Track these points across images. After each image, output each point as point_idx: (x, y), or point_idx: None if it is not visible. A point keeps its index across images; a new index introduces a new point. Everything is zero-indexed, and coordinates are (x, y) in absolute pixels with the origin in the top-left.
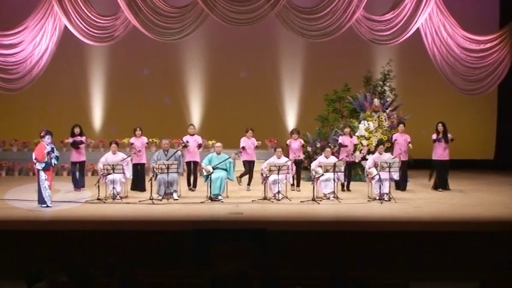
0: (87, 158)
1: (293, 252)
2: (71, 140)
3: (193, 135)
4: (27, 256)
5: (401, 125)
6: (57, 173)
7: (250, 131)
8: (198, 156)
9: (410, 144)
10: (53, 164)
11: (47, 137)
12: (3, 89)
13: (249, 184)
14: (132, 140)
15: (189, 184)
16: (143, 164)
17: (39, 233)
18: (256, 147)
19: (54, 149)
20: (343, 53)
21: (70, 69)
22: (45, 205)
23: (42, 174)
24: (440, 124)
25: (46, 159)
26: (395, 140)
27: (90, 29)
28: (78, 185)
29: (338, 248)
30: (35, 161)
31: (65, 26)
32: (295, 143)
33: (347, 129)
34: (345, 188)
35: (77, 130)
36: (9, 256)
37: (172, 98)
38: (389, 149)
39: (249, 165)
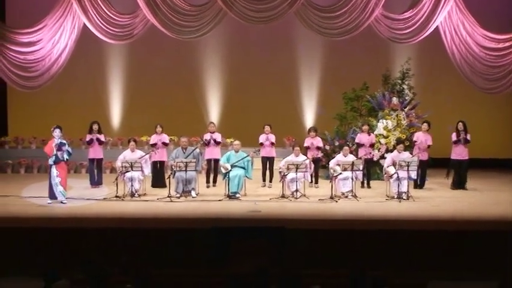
0: (105, 156)
1: (311, 250)
2: (89, 137)
3: (213, 132)
4: (43, 254)
5: (425, 124)
6: (76, 170)
7: (267, 127)
8: (218, 153)
9: (427, 147)
10: (65, 160)
11: (56, 130)
12: (22, 87)
13: (270, 181)
14: (153, 137)
15: (207, 181)
16: (163, 161)
17: (56, 230)
18: (273, 144)
19: (67, 144)
20: (361, 51)
21: (88, 66)
22: (52, 201)
23: (54, 170)
24: (460, 123)
25: (55, 152)
26: (416, 140)
27: (109, 27)
28: (96, 182)
29: (356, 246)
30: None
31: (84, 24)
32: (313, 141)
33: (365, 127)
34: (365, 184)
35: (95, 127)
36: (25, 253)
37: (192, 95)
38: (409, 148)
39: (266, 162)
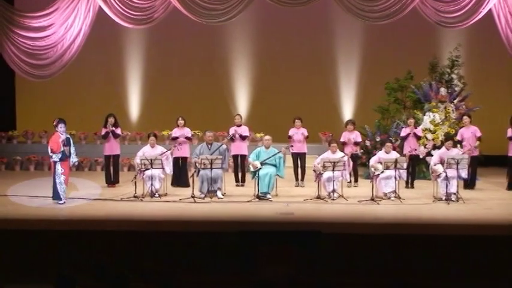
0: (122, 152)
1: (349, 257)
2: (104, 131)
3: (240, 126)
4: (54, 259)
5: (465, 118)
6: (90, 168)
7: (297, 121)
8: (245, 149)
9: (477, 142)
10: (73, 163)
11: (60, 125)
12: (32, 76)
13: (302, 179)
14: (174, 131)
15: (237, 180)
16: (185, 158)
17: (68, 233)
18: (307, 138)
19: (71, 141)
20: (405, 37)
21: (104, 54)
22: (61, 201)
23: (59, 168)
24: None
25: (62, 149)
26: (461, 136)
27: (127, 11)
28: (112, 180)
29: (398, 253)
30: (51, 153)
31: (100, 7)
32: (351, 136)
33: (411, 120)
34: (410, 184)
35: (111, 120)
36: (35, 257)
37: (217, 86)
38: (458, 144)
39: (297, 159)
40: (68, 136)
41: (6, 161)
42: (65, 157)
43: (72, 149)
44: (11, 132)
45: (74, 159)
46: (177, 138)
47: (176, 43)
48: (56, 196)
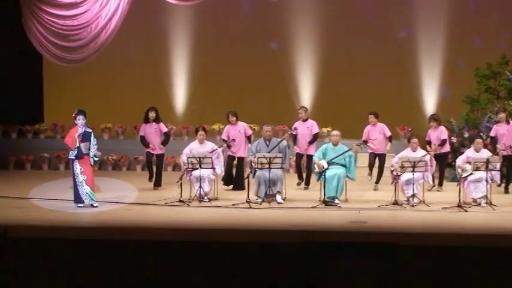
0: (166, 149)
1: (430, 273)
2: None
3: (306, 120)
4: (85, 271)
5: (501, 115)
6: (129, 167)
7: (371, 116)
8: (312, 147)
9: None
10: (93, 162)
11: (79, 117)
12: (62, 60)
13: (377, 182)
14: (227, 128)
15: (300, 177)
16: (241, 158)
17: (102, 242)
18: (389, 138)
19: (92, 136)
20: (498, 14)
21: (145, 36)
22: (81, 204)
23: (77, 166)
24: None
25: (78, 145)
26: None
27: None
28: (155, 182)
29: (490, 269)
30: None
31: None
32: (435, 133)
33: (502, 115)
34: (504, 188)
35: (152, 115)
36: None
37: (277, 73)
38: None
39: (374, 159)
40: (88, 130)
41: (33, 158)
42: (81, 154)
43: (93, 146)
44: (38, 126)
45: (94, 156)
46: (232, 140)
47: (228, 23)
48: (78, 199)
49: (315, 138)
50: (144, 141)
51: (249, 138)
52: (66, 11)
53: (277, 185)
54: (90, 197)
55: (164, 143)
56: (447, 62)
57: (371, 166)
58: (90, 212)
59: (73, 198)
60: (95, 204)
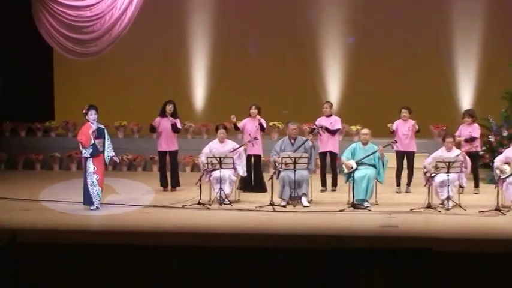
0: (184, 148)
1: (466, 281)
2: (157, 122)
3: (329, 116)
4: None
5: None
6: (145, 167)
7: (404, 111)
8: (336, 145)
9: None
10: (109, 158)
11: (91, 112)
12: (74, 54)
13: (408, 184)
14: (246, 120)
15: (323, 184)
16: (259, 155)
17: (115, 247)
18: (418, 133)
19: (105, 132)
20: None
21: (162, 27)
22: (93, 207)
23: (90, 165)
24: None
25: (92, 142)
26: None
27: None
28: (172, 183)
29: None
30: (81, 148)
31: None
32: (466, 129)
33: None
34: None
35: (169, 108)
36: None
37: (303, 67)
38: None
39: (402, 158)
40: (101, 126)
41: (43, 158)
42: (96, 152)
43: (108, 142)
44: (48, 123)
45: (110, 153)
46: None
47: (250, 13)
48: (88, 200)
49: (334, 132)
50: (154, 129)
51: (261, 127)
52: (79, 1)
53: (303, 186)
54: (98, 197)
55: (175, 131)
56: (484, 54)
57: (399, 174)
58: (104, 215)
59: (82, 200)
60: (98, 206)
